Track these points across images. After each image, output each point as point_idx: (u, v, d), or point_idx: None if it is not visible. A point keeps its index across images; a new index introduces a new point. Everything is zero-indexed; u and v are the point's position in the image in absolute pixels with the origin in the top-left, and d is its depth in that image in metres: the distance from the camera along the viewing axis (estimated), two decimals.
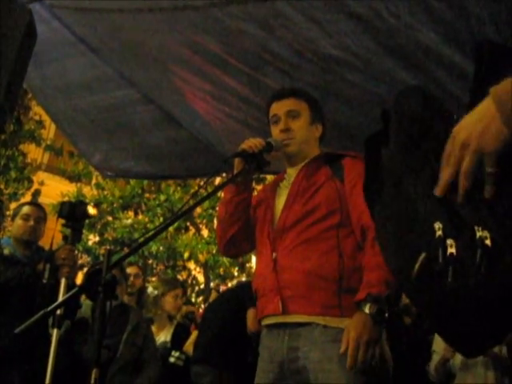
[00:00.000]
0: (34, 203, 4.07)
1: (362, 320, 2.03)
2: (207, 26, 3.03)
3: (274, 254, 2.35)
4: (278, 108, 2.58)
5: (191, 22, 3.05)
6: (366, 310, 2.03)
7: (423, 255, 1.28)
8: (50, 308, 1.60)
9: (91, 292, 1.63)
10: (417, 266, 1.28)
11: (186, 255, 11.91)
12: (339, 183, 2.37)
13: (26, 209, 3.81)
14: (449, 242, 1.25)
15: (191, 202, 2.18)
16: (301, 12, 2.70)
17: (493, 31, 2.39)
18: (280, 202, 2.51)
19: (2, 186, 9.77)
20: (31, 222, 3.72)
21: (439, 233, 1.26)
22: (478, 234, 1.21)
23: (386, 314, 2.02)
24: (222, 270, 12.70)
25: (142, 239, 1.94)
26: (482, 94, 1.40)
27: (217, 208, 11.89)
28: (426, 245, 1.29)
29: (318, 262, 2.24)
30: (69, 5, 3.30)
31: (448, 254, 1.24)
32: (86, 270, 5.31)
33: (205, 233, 12.67)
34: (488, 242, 1.20)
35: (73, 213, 3.23)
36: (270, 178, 10.96)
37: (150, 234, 1.90)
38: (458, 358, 4.13)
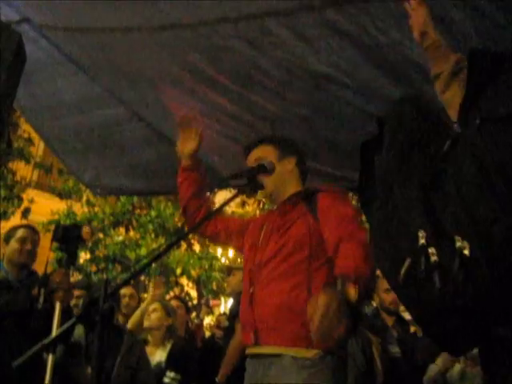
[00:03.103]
0: (29, 226, 4.02)
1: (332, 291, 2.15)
2: (196, 44, 3.03)
3: (252, 289, 2.54)
4: (248, 162, 2.81)
5: (180, 40, 3.05)
6: (338, 286, 2.15)
7: (408, 261, 1.35)
8: (47, 340, 1.58)
9: (89, 322, 1.62)
10: (402, 271, 1.35)
11: (178, 271, 11.86)
12: (312, 218, 2.53)
13: (22, 232, 3.77)
14: (431, 250, 1.31)
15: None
16: (290, 29, 2.71)
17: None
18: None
19: None
20: (29, 246, 3.69)
21: (422, 241, 1.32)
22: (458, 243, 1.27)
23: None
24: (214, 285, 12.66)
25: (145, 260, 1.94)
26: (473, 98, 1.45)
27: None
28: (411, 251, 1.35)
29: (288, 296, 2.40)
30: (57, 24, 3.30)
31: (432, 261, 1.30)
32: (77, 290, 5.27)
33: (197, 248, 12.63)
34: (466, 251, 1.25)
35: (67, 236, 3.21)
36: None
37: (146, 260, 1.90)
38: (457, 369, 4.12)
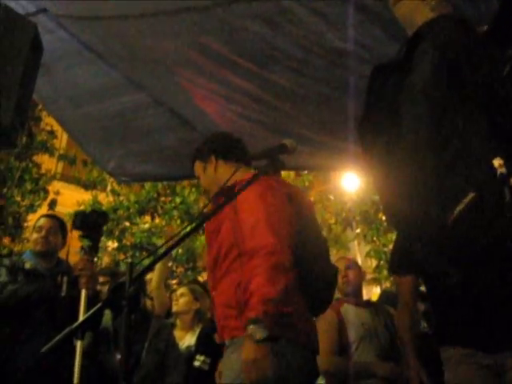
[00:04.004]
0: (49, 215, 4.07)
1: (246, 344, 2.24)
2: (212, 26, 3.01)
3: (213, 293, 2.67)
4: None
5: (195, 23, 3.03)
6: (248, 332, 2.22)
7: (471, 196, 1.13)
8: (75, 325, 1.59)
9: (115, 306, 1.63)
10: (460, 207, 1.13)
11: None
12: (233, 215, 2.56)
13: (39, 221, 3.85)
14: None
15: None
16: (306, 6, 2.67)
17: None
18: None
19: (19, 199, 9.82)
20: (43, 233, 3.73)
21: (502, 170, 1.11)
22: None
23: (266, 333, 2.19)
24: None
25: (166, 245, 1.94)
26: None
27: None
28: (476, 184, 1.13)
29: (226, 294, 2.52)
30: (73, 14, 3.30)
31: None
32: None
33: None
34: None
35: (86, 223, 3.23)
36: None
37: (172, 242, 1.90)
38: None
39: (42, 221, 3.84)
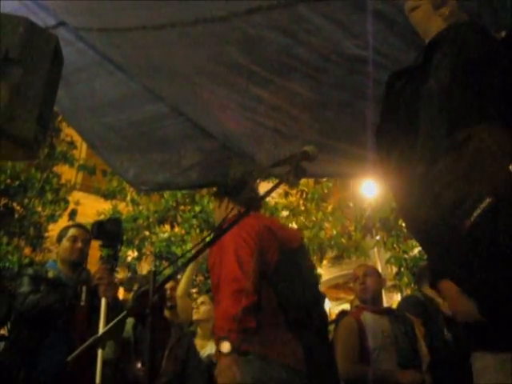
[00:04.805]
0: (80, 225, 4.09)
1: (218, 358, 2.59)
2: (230, 36, 3.03)
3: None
4: None
5: (213, 33, 3.05)
6: (218, 348, 2.57)
7: (487, 201, 1.12)
8: (100, 334, 1.61)
9: (139, 314, 1.65)
10: (475, 214, 1.12)
11: None
12: (220, 252, 2.87)
13: (73, 231, 3.86)
14: None
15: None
16: (323, 15, 2.68)
17: None
18: None
19: (40, 209, 9.89)
20: (79, 244, 3.77)
21: None
22: None
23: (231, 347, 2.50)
24: None
25: (188, 253, 1.96)
26: None
27: None
28: (492, 189, 1.11)
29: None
30: (92, 26, 3.34)
31: None
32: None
33: None
34: None
35: (102, 232, 3.26)
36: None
37: (193, 251, 1.91)
38: None
39: (76, 231, 3.87)
